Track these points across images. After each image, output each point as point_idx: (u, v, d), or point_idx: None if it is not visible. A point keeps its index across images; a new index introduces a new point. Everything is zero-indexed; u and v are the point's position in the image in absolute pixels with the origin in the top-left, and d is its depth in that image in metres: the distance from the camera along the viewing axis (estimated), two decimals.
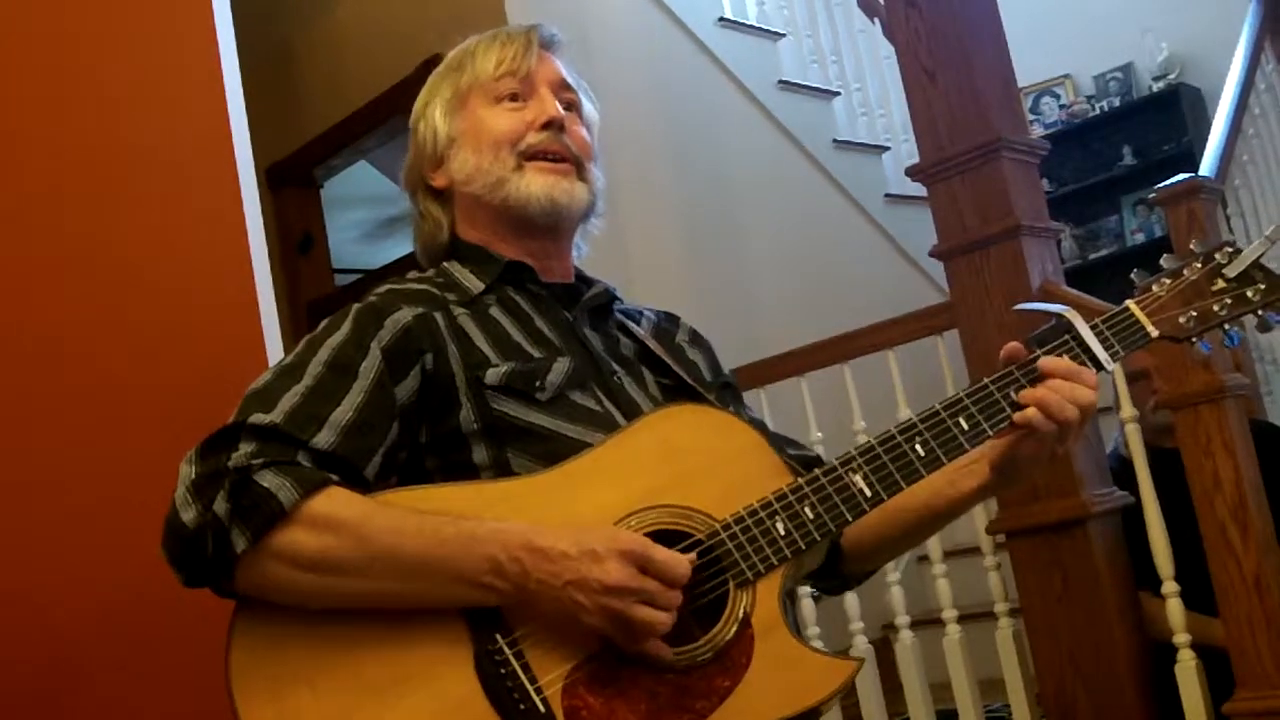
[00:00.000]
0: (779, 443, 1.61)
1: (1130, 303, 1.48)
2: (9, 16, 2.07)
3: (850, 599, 3.35)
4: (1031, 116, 6.59)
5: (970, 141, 3.03)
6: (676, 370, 1.56)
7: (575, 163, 1.55)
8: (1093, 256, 6.32)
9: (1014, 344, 1.44)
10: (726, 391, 1.64)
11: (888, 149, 5.70)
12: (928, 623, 3.66)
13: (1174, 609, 2.75)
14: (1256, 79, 4.90)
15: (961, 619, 3.18)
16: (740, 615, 1.31)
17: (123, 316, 2.07)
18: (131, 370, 2.05)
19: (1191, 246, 1.52)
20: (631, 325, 1.61)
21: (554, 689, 1.26)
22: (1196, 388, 2.65)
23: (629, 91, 4.56)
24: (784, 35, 5.46)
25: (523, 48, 1.56)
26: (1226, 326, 1.49)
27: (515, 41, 1.57)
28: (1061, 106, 6.73)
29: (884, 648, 3.61)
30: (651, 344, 1.58)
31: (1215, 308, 1.47)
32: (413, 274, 1.56)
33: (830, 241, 5.21)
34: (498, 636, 1.27)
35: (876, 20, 5.73)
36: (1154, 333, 1.46)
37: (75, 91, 2.11)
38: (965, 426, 1.40)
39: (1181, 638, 2.73)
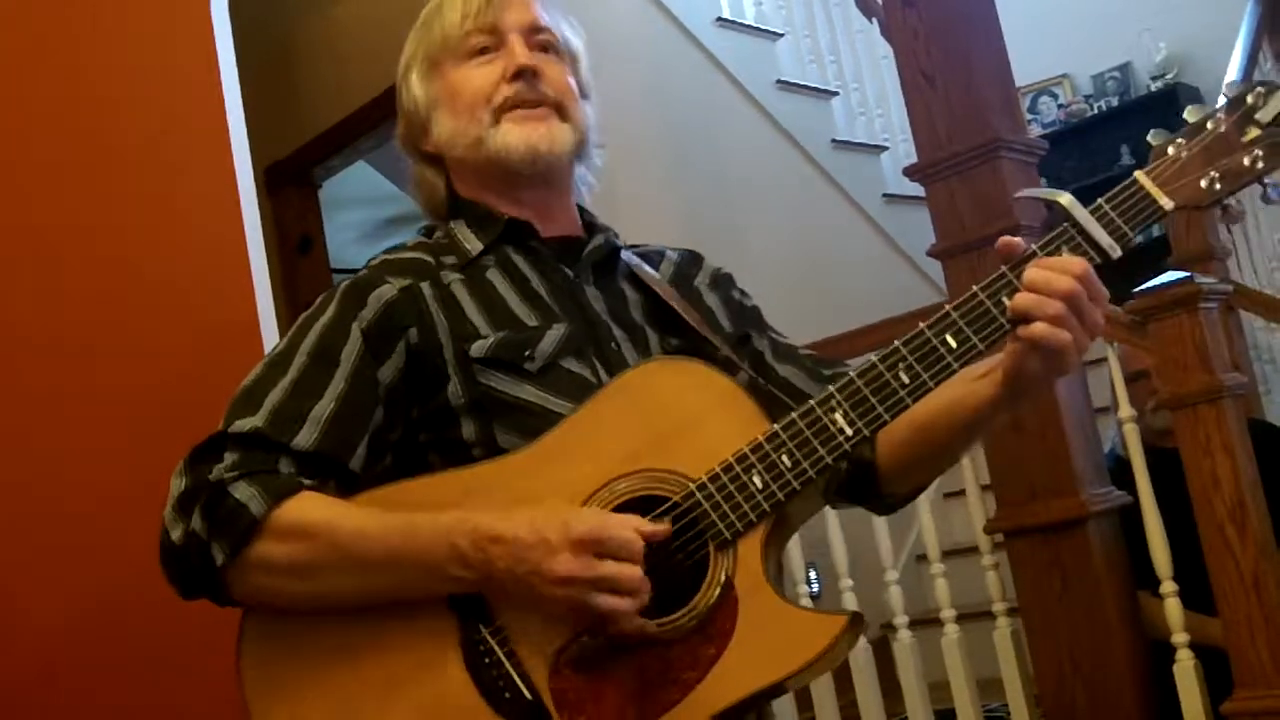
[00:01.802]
0: (813, 365, 1.55)
1: (1139, 173, 1.30)
2: (7, 17, 2.06)
3: (849, 597, 3.35)
4: (1029, 116, 6.59)
5: (968, 141, 3.02)
6: (688, 321, 1.48)
7: (554, 106, 1.49)
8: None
9: (1008, 237, 1.31)
10: (747, 342, 1.57)
11: (886, 149, 5.71)
12: (926, 622, 3.66)
13: (1172, 609, 2.75)
14: (1255, 78, 4.90)
15: (960, 619, 3.18)
16: (722, 579, 1.26)
17: (121, 317, 2.07)
18: (129, 370, 2.05)
19: (1224, 92, 1.31)
20: (646, 273, 1.54)
21: (540, 673, 1.25)
22: (1195, 388, 2.65)
23: (627, 91, 4.56)
24: (782, 35, 5.47)
25: None
26: (1266, 181, 1.28)
27: None
28: (1060, 106, 6.73)
29: (882, 647, 3.61)
30: (662, 292, 1.51)
31: (1245, 161, 1.26)
32: (414, 239, 1.54)
33: (829, 241, 5.21)
34: (481, 626, 1.27)
35: (874, 20, 5.73)
36: (1168, 205, 1.27)
37: (74, 92, 2.11)
38: (954, 344, 1.28)
39: (1180, 637, 2.73)
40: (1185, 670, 2.71)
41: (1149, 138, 1.32)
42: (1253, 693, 2.58)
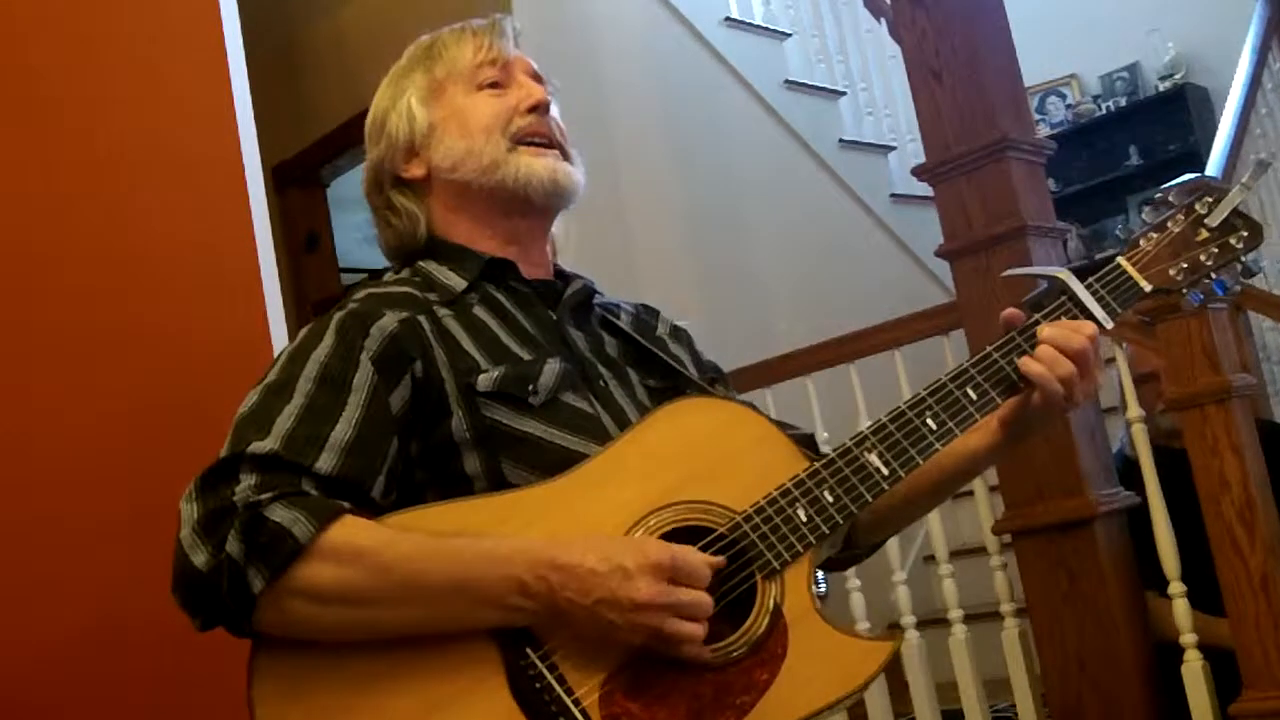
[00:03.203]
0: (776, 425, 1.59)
1: (1120, 258, 1.49)
2: (17, 16, 2.07)
3: (856, 598, 3.35)
4: (1037, 116, 6.59)
5: (976, 141, 3.02)
6: (668, 362, 1.54)
7: (560, 148, 1.53)
8: (1099, 256, 6.31)
9: (1012, 310, 1.45)
10: (715, 386, 1.62)
11: (894, 149, 5.71)
12: (933, 622, 3.66)
13: (1180, 609, 2.74)
14: (1264, 78, 4.90)
15: (967, 619, 3.18)
16: (771, 606, 1.30)
17: (130, 315, 2.07)
18: (138, 369, 2.06)
19: (1170, 198, 1.52)
20: (617, 321, 1.58)
21: (591, 699, 1.23)
22: (1203, 388, 2.65)
23: (635, 91, 4.56)
24: (790, 35, 5.47)
25: (496, 35, 1.54)
26: (1213, 275, 1.50)
27: (486, 30, 1.55)
28: (1068, 106, 6.73)
29: None
30: (640, 339, 1.55)
31: (1202, 258, 1.49)
32: (390, 276, 1.52)
33: (836, 241, 5.22)
34: (529, 651, 1.24)
35: (883, 20, 5.73)
36: (1147, 287, 1.47)
37: (83, 91, 2.12)
38: (974, 396, 1.41)
39: (1188, 638, 2.73)
40: (1193, 671, 2.71)
41: (1117, 231, 1.50)
42: (1261, 694, 2.57)
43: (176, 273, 2.13)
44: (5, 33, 2.06)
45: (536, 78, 1.56)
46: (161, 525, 1.28)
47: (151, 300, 2.10)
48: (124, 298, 2.07)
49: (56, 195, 2.05)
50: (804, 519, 1.33)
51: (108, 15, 2.17)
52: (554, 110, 1.58)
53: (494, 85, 1.52)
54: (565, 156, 1.53)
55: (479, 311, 1.45)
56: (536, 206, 1.51)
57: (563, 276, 1.58)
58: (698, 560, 1.25)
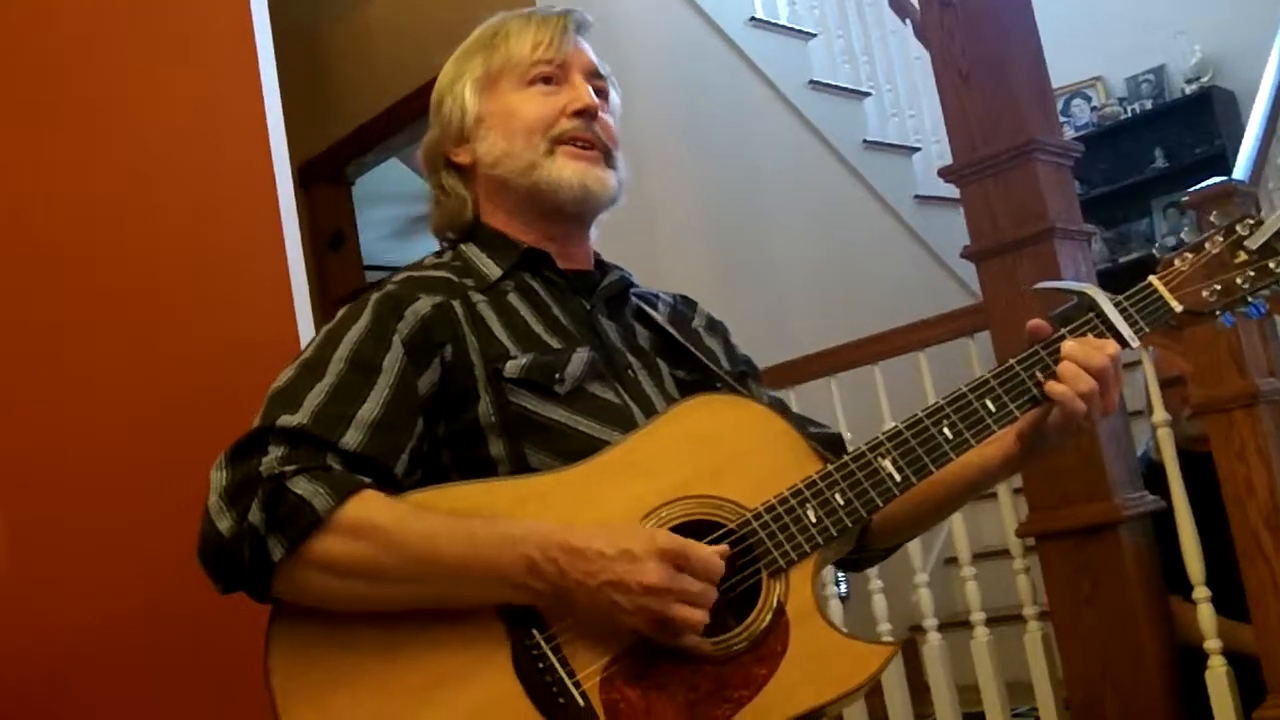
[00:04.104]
0: (801, 423, 1.61)
1: (1153, 278, 1.48)
2: (48, 16, 2.08)
3: (878, 600, 3.34)
4: (1062, 118, 6.56)
5: (1003, 143, 3.02)
6: (699, 356, 1.56)
7: (604, 151, 1.55)
8: (1122, 260, 6.29)
9: (1038, 321, 1.45)
10: (746, 380, 1.64)
11: (918, 149, 5.69)
12: (955, 625, 3.65)
13: (1205, 615, 2.73)
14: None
15: (990, 622, 3.17)
16: (774, 604, 1.32)
17: (157, 314, 2.08)
18: (165, 367, 2.06)
19: (1212, 219, 1.51)
20: (651, 313, 1.60)
21: (592, 683, 1.27)
22: (1230, 392, 2.64)
23: (659, 90, 4.56)
24: (815, 35, 5.46)
25: (559, 32, 1.56)
26: (1250, 299, 1.48)
27: (551, 24, 1.56)
28: (1093, 109, 6.70)
29: (911, 649, 3.61)
30: (672, 331, 1.58)
31: (1238, 280, 1.47)
32: (429, 259, 1.56)
33: (859, 242, 5.21)
34: (534, 632, 1.27)
35: (907, 21, 5.72)
36: (1178, 308, 1.46)
37: (112, 91, 2.12)
38: (992, 408, 1.41)
39: (1212, 644, 2.71)
40: (1217, 677, 2.70)
41: (1154, 250, 1.50)
42: None
43: (204, 273, 2.14)
44: (33, 34, 2.07)
45: (594, 74, 1.58)
46: (189, 520, 1.29)
47: (180, 300, 2.10)
48: (152, 297, 2.08)
49: (84, 195, 2.06)
50: (813, 520, 1.35)
51: (137, 15, 2.18)
52: (613, 98, 1.62)
53: (546, 81, 1.54)
54: (608, 159, 1.55)
55: (513, 299, 1.49)
56: (567, 211, 1.53)
57: (601, 268, 1.61)
58: (708, 552, 1.27)
